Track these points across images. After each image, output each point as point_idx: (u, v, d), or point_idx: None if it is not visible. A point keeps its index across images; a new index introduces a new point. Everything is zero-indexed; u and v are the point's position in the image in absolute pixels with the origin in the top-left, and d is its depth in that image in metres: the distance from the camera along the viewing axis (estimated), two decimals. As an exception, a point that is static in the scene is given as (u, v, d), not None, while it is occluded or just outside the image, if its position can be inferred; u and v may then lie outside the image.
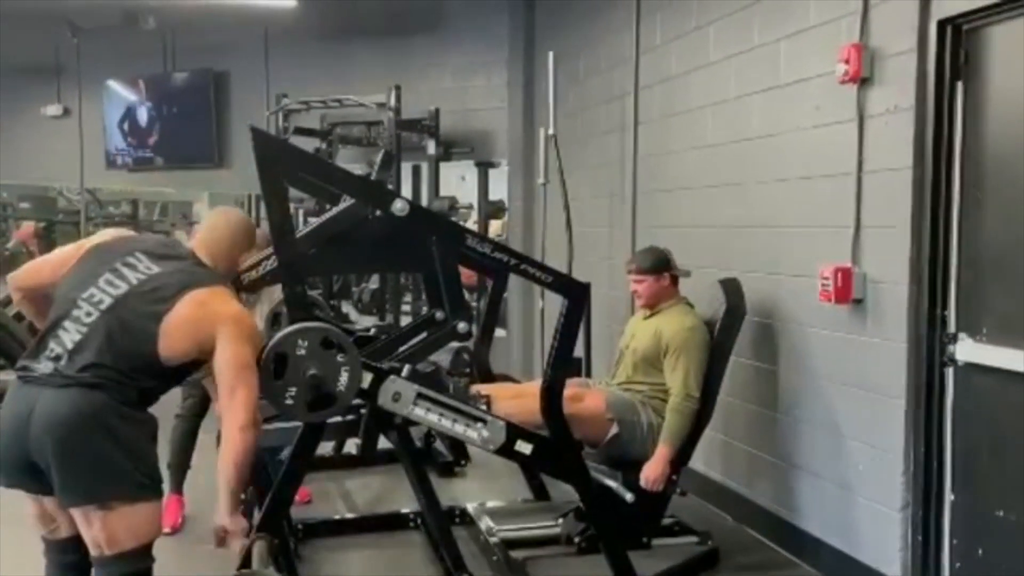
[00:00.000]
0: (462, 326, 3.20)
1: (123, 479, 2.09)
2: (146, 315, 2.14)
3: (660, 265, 3.51)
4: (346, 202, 3.10)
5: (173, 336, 2.13)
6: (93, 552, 2.14)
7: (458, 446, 4.49)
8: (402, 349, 3.22)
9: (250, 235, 2.53)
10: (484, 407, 2.99)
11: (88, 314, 2.14)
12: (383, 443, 4.84)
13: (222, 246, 2.41)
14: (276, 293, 3.37)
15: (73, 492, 2.08)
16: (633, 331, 3.59)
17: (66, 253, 2.34)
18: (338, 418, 3.16)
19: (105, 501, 2.08)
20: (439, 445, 4.65)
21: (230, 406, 2.14)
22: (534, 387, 3.36)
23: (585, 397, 3.31)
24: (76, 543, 2.18)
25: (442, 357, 3.78)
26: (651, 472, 3.22)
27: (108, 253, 2.27)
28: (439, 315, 3.33)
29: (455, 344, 3.44)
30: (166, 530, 3.02)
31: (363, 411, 3.27)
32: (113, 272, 2.20)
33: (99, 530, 2.09)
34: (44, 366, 2.11)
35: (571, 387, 3.23)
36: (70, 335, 2.12)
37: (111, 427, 2.08)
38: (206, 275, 2.28)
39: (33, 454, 2.07)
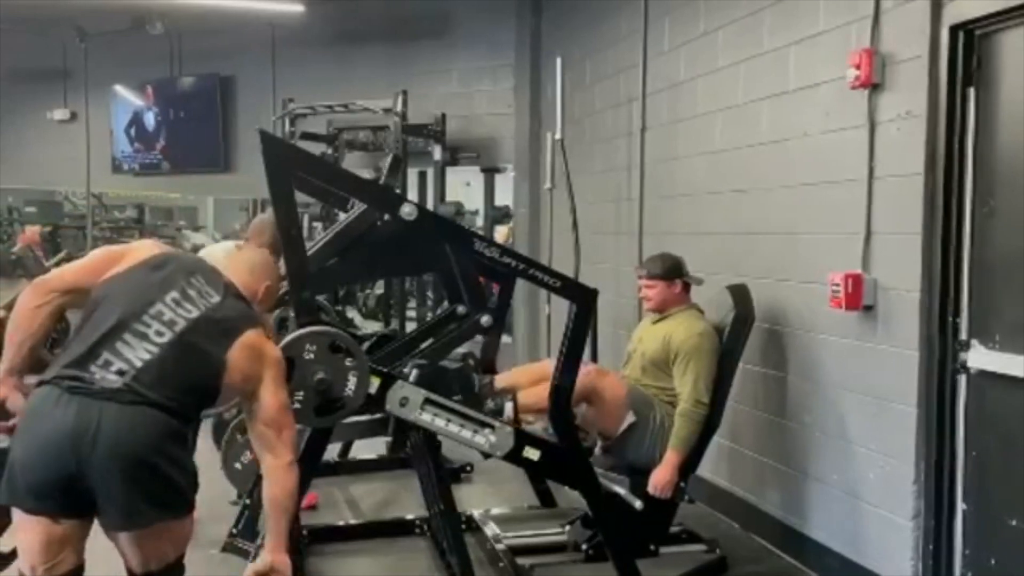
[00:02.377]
0: (485, 319, 3.16)
1: (181, 499, 2.09)
2: (217, 345, 2.12)
3: (672, 271, 3.49)
4: (357, 209, 3.09)
5: (233, 372, 2.12)
6: (137, 569, 2.10)
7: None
8: (424, 346, 3.18)
9: (275, 274, 2.46)
10: (512, 400, 2.96)
11: (159, 333, 2.07)
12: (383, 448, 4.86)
13: (255, 283, 2.35)
14: None
15: (137, 516, 2.01)
16: (641, 335, 3.57)
17: (97, 260, 2.22)
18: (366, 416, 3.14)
19: (166, 521, 2.06)
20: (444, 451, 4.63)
21: (277, 445, 2.17)
22: (551, 367, 3.28)
23: (608, 377, 3.30)
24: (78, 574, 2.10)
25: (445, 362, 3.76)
26: (660, 478, 3.20)
27: (167, 270, 2.18)
28: (461, 309, 3.29)
29: (460, 350, 3.42)
30: None
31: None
32: (180, 292, 2.14)
33: (150, 549, 2.07)
34: (107, 379, 1.99)
35: (593, 369, 3.27)
36: (135, 351, 2.03)
37: (176, 450, 2.06)
38: (252, 314, 2.27)
39: (87, 474, 1.94)
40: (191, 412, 2.14)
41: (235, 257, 2.45)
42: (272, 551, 2.14)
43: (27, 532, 2.02)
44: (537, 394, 3.07)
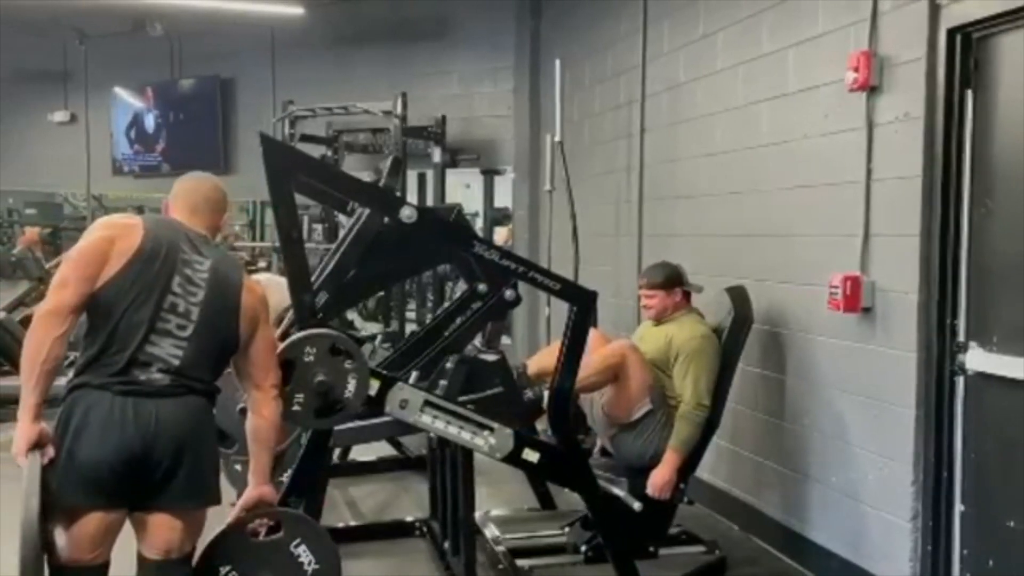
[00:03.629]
0: (509, 293, 3.15)
1: (215, 483, 2.25)
2: (229, 311, 2.24)
3: (672, 281, 3.49)
4: (362, 216, 3.09)
5: (244, 321, 2.27)
6: (157, 556, 2.18)
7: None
8: (453, 327, 3.18)
9: (226, 197, 2.43)
10: (548, 388, 2.92)
11: (181, 327, 2.16)
12: (387, 450, 4.87)
13: (213, 216, 2.36)
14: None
15: (196, 493, 2.18)
16: (642, 335, 3.58)
17: (87, 263, 2.11)
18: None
19: (209, 504, 2.23)
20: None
21: (264, 380, 2.32)
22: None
23: (635, 352, 3.27)
24: (107, 569, 2.19)
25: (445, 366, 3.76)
26: (659, 479, 3.20)
27: (161, 256, 2.16)
28: (482, 287, 3.28)
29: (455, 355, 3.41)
30: None
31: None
32: (181, 276, 2.19)
33: (181, 532, 2.18)
34: (154, 378, 2.11)
35: (629, 344, 3.30)
36: (166, 349, 2.13)
37: (213, 433, 2.26)
38: (233, 258, 2.41)
39: (152, 459, 2.08)
40: (215, 382, 2.27)
41: (192, 197, 2.35)
42: (256, 484, 2.34)
43: (77, 527, 2.08)
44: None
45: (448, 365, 2.87)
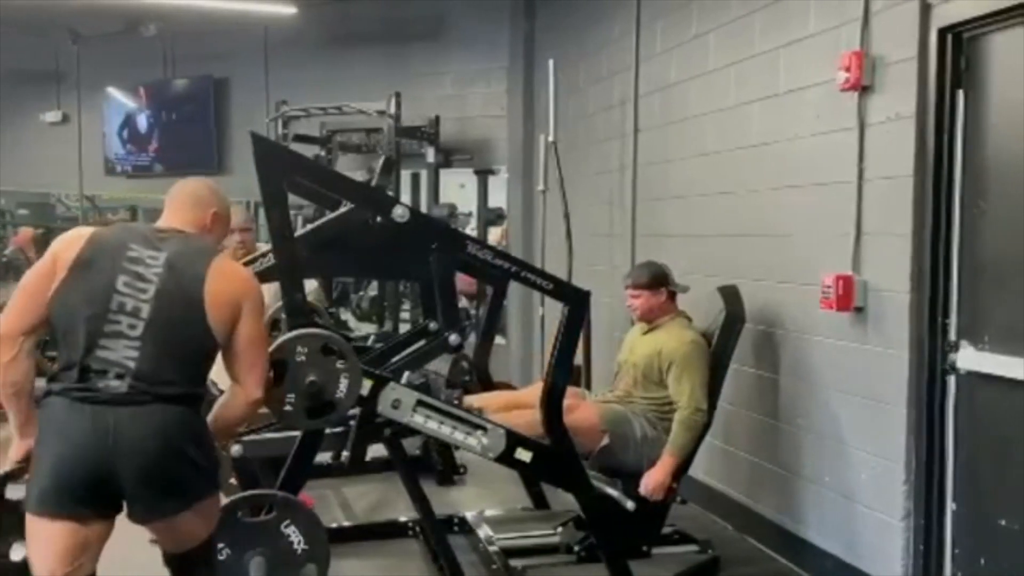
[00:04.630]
0: (453, 338, 3.15)
1: (203, 482, 2.15)
2: (189, 298, 2.09)
3: (656, 281, 3.50)
4: (343, 207, 3.09)
5: (214, 308, 2.10)
6: (172, 549, 2.19)
7: (448, 457, 4.49)
8: (395, 360, 3.19)
9: (217, 195, 2.37)
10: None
11: (131, 326, 2.05)
12: (381, 451, 4.85)
13: (201, 214, 2.29)
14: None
15: (161, 510, 2.08)
16: (632, 345, 3.58)
17: (35, 285, 2.10)
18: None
19: (192, 505, 2.12)
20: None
21: (246, 379, 2.19)
22: (528, 396, 3.36)
23: (578, 408, 3.30)
24: None
25: (440, 365, 3.76)
26: (652, 480, 3.21)
27: (99, 261, 2.09)
28: (433, 326, 3.32)
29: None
30: None
31: (351, 423, 3.21)
32: (126, 274, 2.08)
33: (183, 531, 2.15)
34: (111, 385, 2.01)
35: (567, 397, 3.24)
36: (119, 352, 2.03)
37: (192, 438, 2.10)
38: (206, 246, 2.24)
39: (115, 474, 1.99)
40: (198, 385, 2.16)
41: (176, 196, 2.31)
42: None
43: (48, 539, 2.03)
44: (505, 419, 3.02)
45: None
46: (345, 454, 3.07)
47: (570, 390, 3.30)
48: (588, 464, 3.34)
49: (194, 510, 2.12)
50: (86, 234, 2.15)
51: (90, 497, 2.01)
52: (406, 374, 2.92)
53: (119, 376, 2.02)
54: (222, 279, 2.14)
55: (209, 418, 2.23)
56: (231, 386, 2.24)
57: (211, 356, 2.18)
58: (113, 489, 2.02)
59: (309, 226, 3.24)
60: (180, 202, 2.29)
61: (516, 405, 3.33)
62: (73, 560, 2.03)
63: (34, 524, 2.03)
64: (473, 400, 3.35)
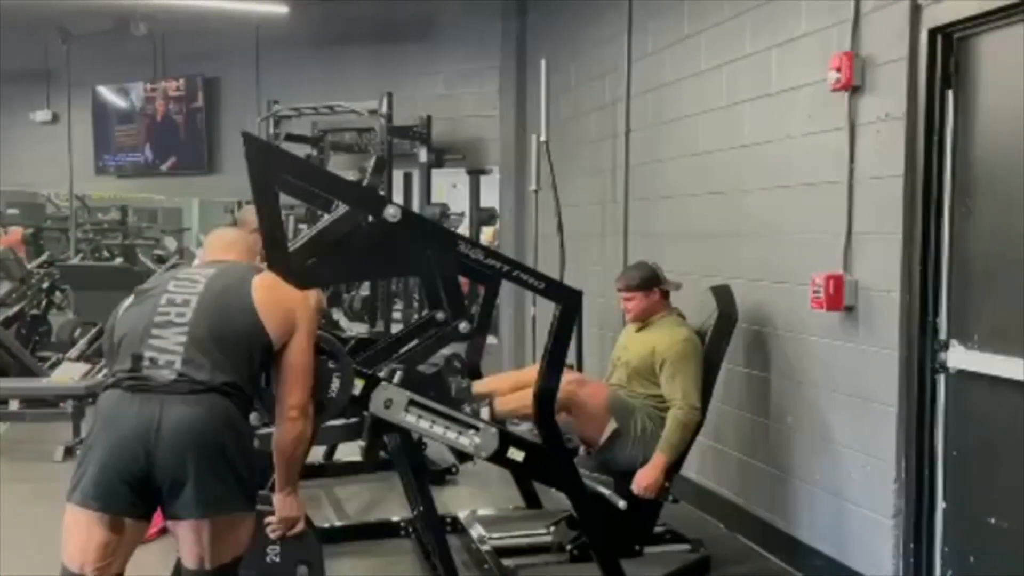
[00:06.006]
0: (463, 325, 3.21)
1: (245, 491, 2.11)
2: (237, 291, 2.20)
3: (649, 282, 3.51)
4: (339, 209, 3.08)
5: (269, 315, 2.18)
6: (191, 565, 2.12)
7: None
8: (403, 350, 3.22)
9: (245, 239, 2.57)
10: (488, 406, 3.02)
11: (180, 314, 2.13)
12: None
13: (231, 253, 2.47)
14: None
15: (206, 502, 2.04)
16: (625, 343, 3.59)
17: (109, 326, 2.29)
18: (341, 420, 3.15)
19: (229, 512, 2.08)
20: (429, 452, 4.63)
21: (289, 395, 2.22)
22: (534, 374, 3.32)
23: (590, 384, 3.32)
24: None
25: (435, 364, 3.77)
26: (645, 478, 3.21)
27: (154, 283, 2.29)
28: (440, 315, 3.34)
29: (445, 352, 3.43)
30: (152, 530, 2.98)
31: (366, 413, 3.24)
32: (174, 280, 2.23)
33: (208, 543, 2.08)
34: (160, 374, 2.06)
35: (574, 377, 3.29)
36: (169, 340, 2.10)
37: (239, 437, 2.11)
38: (251, 264, 2.41)
39: (158, 467, 2.00)
40: (246, 382, 2.15)
41: (212, 243, 2.54)
42: (290, 499, 2.29)
43: (86, 532, 2.04)
44: (518, 399, 3.11)
45: (381, 374, 2.86)
46: (360, 444, 3.09)
47: (573, 375, 3.34)
48: (589, 457, 3.36)
49: (221, 521, 2.07)
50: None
51: (130, 493, 2.01)
52: (397, 374, 2.91)
53: (168, 364, 2.07)
54: (270, 287, 2.26)
55: (285, 451, 2.24)
56: (277, 411, 2.24)
57: (263, 352, 2.19)
58: (152, 483, 2.01)
59: (308, 233, 3.21)
60: (214, 247, 2.51)
61: (524, 384, 3.30)
62: (105, 556, 2.05)
63: (74, 515, 2.04)
64: (480, 385, 3.36)
